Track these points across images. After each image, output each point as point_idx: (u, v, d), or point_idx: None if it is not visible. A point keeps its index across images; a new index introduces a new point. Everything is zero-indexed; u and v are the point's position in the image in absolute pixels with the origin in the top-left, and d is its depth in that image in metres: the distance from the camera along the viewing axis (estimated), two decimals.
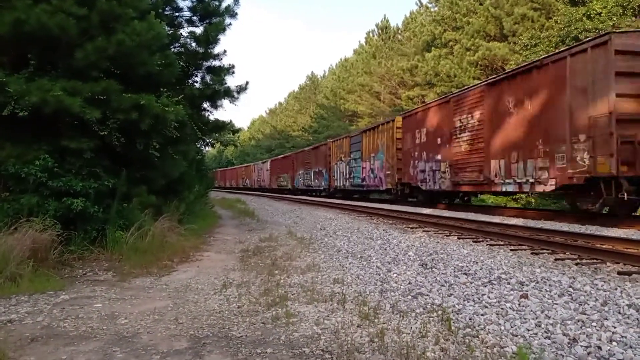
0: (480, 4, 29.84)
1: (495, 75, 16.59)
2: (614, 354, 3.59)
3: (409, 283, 6.31)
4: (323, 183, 35.76)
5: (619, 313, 4.49)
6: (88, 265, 7.99)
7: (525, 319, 4.54)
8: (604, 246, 8.11)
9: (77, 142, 8.30)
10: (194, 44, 12.21)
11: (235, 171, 79.71)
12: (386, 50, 45.88)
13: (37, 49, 8.25)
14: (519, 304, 4.99)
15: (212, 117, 14.13)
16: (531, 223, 12.45)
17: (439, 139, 18.89)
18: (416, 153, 21.06)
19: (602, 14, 20.49)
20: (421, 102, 32.58)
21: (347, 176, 30.20)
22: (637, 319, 4.31)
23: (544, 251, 8.13)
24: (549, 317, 4.51)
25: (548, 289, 5.47)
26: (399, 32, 47.36)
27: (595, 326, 4.19)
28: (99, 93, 8.23)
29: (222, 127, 14.14)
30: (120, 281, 7.04)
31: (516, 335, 4.17)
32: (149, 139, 9.06)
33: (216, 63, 12.89)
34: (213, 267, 8.12)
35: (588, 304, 4.81)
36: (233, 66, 13.09)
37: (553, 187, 12.57)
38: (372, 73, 44.54)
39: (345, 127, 47.59)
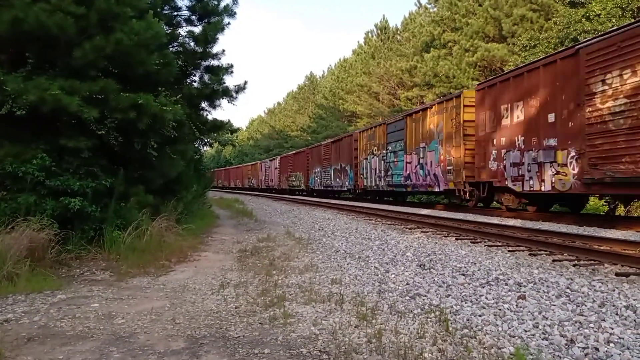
0: (480, 5, 29.86)
1: None
2: (612, 355, 3.58)
3: (407, 284, 6.30)
4: (347, 183, 30.27)
5: (617, 314, 4.49)
6: (85, 264, 7.97)
7: (522, 320, 4.53)
8: (601, 247, 8.12)
9: (74, 141, 8.27)
10: (192, 44, 12.20)
11: (240, 170, 74.30)
12: (385, 50, 45.89)
13: (35, 48, 8.23)
14: (516, 305, 4.98)
15: (210, 117, 14.12)
16: (529, 224, 12.45)
17: (552, 115, 13.01)
18: (504, 139, 15.18)
19: (602, 16, 20.49)
20: (420, 103, 32.58)
21: (382, 174, 24.58)
22: (635, 320, 4.30)
23: (542, 252, 8.13)
24: (547, 318, 4.50)
25: (546, 290, 5.47)
26: (398, 32, 47.34)
27: (592, 327, 4.18)
28: (97, 92, 8.20)
29: (220, 126, 14.10)
30: (118, 281, 7.03)
31: (514, 336, 4.16)
32: (146, 138, 9.04)
33: (215, 62, 12.89)
34: (211, 267, 8.10)
35: (586, 305, 4.80)
36: (231, 66, 13.08)
37: None
38: (371, 73, 44.54)
39: (343, 128, 47.61)
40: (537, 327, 4.31)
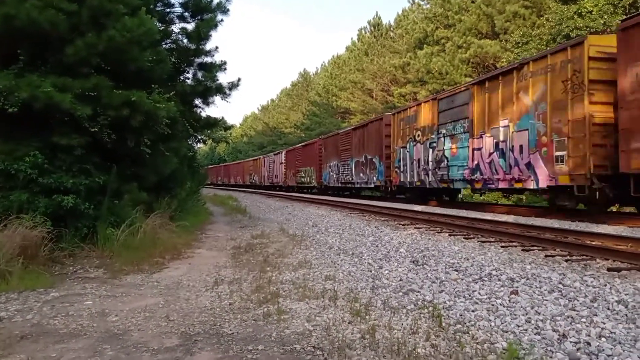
0: (472, 2, 29.91)
1: None
2: (603, 350, 3.60)
3: (400, 280, 6.31)
4: (374, 178, 24.50)
5: (608, 309, 4.52)
6: (79, 262, 7.95)
7: (515, 315, 4.56)
8: (593, 243, 8.16)
9: (67, 138, 8.25)
10: (185, 40, 12.18)
11: (240, 166, 68.24)
12: (378, 47, 45.91)
13: (27, 45, 8.19)
14: (509, 300, 5.01)
15: (203, 114, 14.11)
16: (522, 220, 12.49)
17: None
18: None
19: (593, 12, 20.55)
20: (413, 99, 32.59)
21: (431, 166, 18.85)
22: (626, 315, 4.33)
23: (535, 248, 8.17)
24: (539, 313, 4.52)
25: (538, 285, 5.50)
26: (391, 29, 47.35)
27: (584, 322, 4.21)
28: (90, 89, 8.18)
29: (213, 123, 14.09)
30: (111, 278, 7.02)
31: (506, 331, 4.18)
32: (140, 135, 9.02)
33: (208, 59, 12.87)
34: (205, 264, 8.10)
35: (578, 300, 4.83)
36: (225, 63, 13.06)
37: None
38: (364, 70, 44.59)
39: (337, 124, 47.59)
40: (530, 322, 4.34)
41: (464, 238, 9.67)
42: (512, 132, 14.18)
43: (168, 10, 12.50)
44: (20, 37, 7.98)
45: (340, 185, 30.55)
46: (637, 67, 10.30)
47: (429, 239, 9.66)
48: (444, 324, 4.46)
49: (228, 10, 12.71)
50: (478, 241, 9.20)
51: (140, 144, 9.09)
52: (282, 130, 71.54)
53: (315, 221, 14.58)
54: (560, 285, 5.44)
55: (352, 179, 27.85)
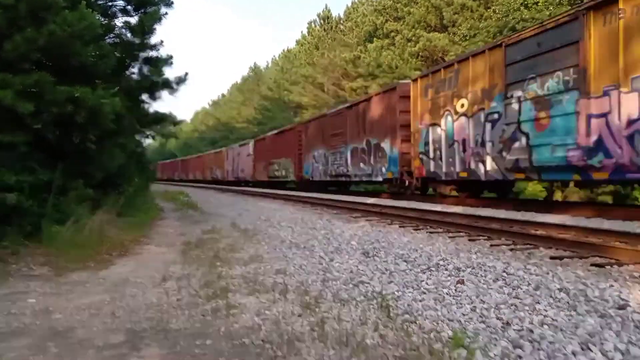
0: None
1: None
2: (545, 337, 3.69)
3: (351, 272, 6.35)
4: (383, 169, 19.36)
5: (551, 297, 4.64)
6: (22, 260, 7.71)
7: (461, 304, 4.64)
8: (538, 232, 8.40)
9: (10, 135, 7.99)
10: (129, 35, 11.89)
11: (200, 161, 62.77)
12: (329, 41, 46.05)
13: None
14: (455, 290, 5.10)
15: (151, 109, 13.86)
16: (470, 210, 12.74)
17: None
18: None
19: (539, 4, 21.05)
20: (364, 94, 32.79)
21: (489, 148, 13.33)
22: (568, 302, 4.46)
23: (481, 237, 8.36)
24: (484, 302, 4.62)
25: (483, 274, 5.62)
26: (341, 22, 47.49)
27: (527, 310, 4.31)
28: (31, 85, 7.94)
29: (162, 119, 13.84)
30: (56, 276, 6.84)
31: (452, 320, 4.25)
32: (85, 131, 8.82)
33: (153, 54, 12.60)
34: (153, 261, 7.98)
35: (521, 289, 4.96)
36: (171, 57, 12.84)
37: None
38: (315, 64, 44.63)
39: (289, 119, 47.50)
40: (475, 311, 4.42)
41: (414, 229, 9.82)
42: None
43: (110, 3, 12.20)
44: None
45: (329, 179, 25.42)
46: None
47: (380, 231, 9.77)
48: (392, 314, 4.50)
49: (172, 3, 12.49)
50: (427, 232, 9.36)
51: (85, 140, 8.89)
52: (234, 125, 71.02)
53: (267, 215, 14.55)
54: (505, 274, 5.57)
55: (348, 171, 22.80)
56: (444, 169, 15.41)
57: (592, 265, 5.94)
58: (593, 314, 4.10)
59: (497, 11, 23.50)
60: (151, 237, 10.82)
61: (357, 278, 5.98)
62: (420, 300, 4.86)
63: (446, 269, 6.03)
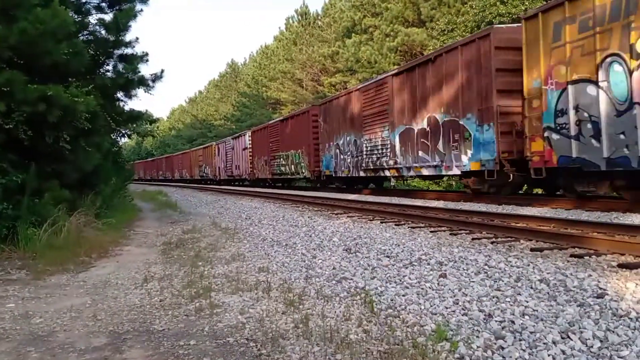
0: None
1: None
2: (527, 327, 3.72)
3: (334, 268, 6.35)
4: (465, 157, 14.02)
5: (531, 288, 4.68)
6: None
7: (443, 297, 4.66)
8: (518, 225, 8.46)
9: None
10: (103, 32, 11.76)
11: (187, 157, 56.85)
12: (307, 36, 45.90)
13: None
14: (438, 284, 5.12)
15: (127, 107, 13.72)
16: (451, 205, 12.82)
17: None
18: None
19: None
20: (343, 89, 32.78)
21: None
22: (548, 293, 4.49)
23: (462, 231, 8.40)
24: (466, 295, 4.64)
25: (465, 268, 5.65)
26: (319, 18, 47.42)
27: (509, 302, 4.34)
28: (2, 84, 7.81)
29: (137, 117, 13.71)
30: (35, 279, 6.75)
31: (435, 314, 4.27)
32: (58, 131, 8.68)
33: (128, 51, 12.48)
34: (134, 262, 7.91)
35: (502, 281, 4.98)
36: (147, 54, 12.73)
37: None
38: (294, 60, 44.51)
39: (268, 115, 47.35)
40: (457, 304, 4.44)
41: (395, 225, 9.84)
42: None
43: (84, 0, 12.06)
44: None
45: (363, 174, 19.90)
46: None
47: (361, 227, 9.78)
48: (375, 310, 4.51)
49: None
50: (408, 227, 9.39)
51: (59, 140, 8.75)
52: (212, 123, 70.66)
53: (248, 213, 14.50)
54: (486, 267, 5.61)
55: (396, 162, 17.09)
56: (605, 153, 9.74)
57: (571, 256, 5.99)
58: (572, 304, 4.14)
59: (473, 6, 23.62)
60: (131, 238, 10.74)
61: (340, 274, 5.98)
62: (404, 295, 4.87)
63: (428, 264, 6.05)
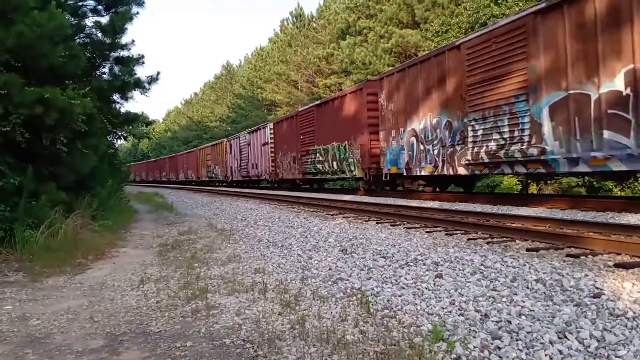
0: None
1: None
2: (523, 327, 3.73)
3: (330, 269, 6.36)
4: None
5: (528, 288, 4.69)
6: None
7: (440, 297, 4.67)
8: (514, 225, 8.48)
9: None
10: (100, 34, 11.78)
11: (193, 157, 51.38)
12: (302, 38, 45.89)
13: None
14: (434, 284, 5.13)
15: (123, 110, 13.73)
16: (446, 205, 12.84)
17: None
18: None
19: (509, 0, 21.22)
20: (338, 90, 32.80)
21: None
22: (544, 292, 4.51)
23: (458, 232, 8.41)
24: (462, 295, 4.65)
25: (461, 268, 5.66)
26: (314, 20, 47.45)
27: (505, 302, 4.35)
28: (0, 87, 7.82)
29: (133, 119, 13.74)
30: (32, 281, 6.75)
31: (431, 314, 4.28)
32: (55, 133, 8.69)
33: (124, 53, 12.52)
34: (130, 263, 7.91)
35: (499, 281, 5.00)
36: (142, 56, 12.76)
37: None
38: (289, 61, 44.52)
39: (263, 117, 47.33)
40: (454, 304, 4.45)
41: (391, 225, 9.85)
42: None
43: (80, 3, 12.07)
44: None
45: (462, 171, 13.94)
46: None
47: (357, 227, 9.79)
48: (372, 310, 4.52)
49: (144, 2, 12.42)
50: (404, 228, 9.40)
51: (56, 142, 8.76)
52: (207, 124, 70.58)
53: (244, 215, 14.49)
54: (482, 267, 5.62)
55: (545, 151, 10.96)
56: None
57: (567, 255, 6.01)
58: (569, 304, 4.16)
59: (467, 8, 23.67)
60: (127, 240, 10.73)
61: (336, 275, 5.98)
62: (400, 296, 4.88)
63: (424, 264, 6.07)
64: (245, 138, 34.59)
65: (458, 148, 14.03)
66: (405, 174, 16.72)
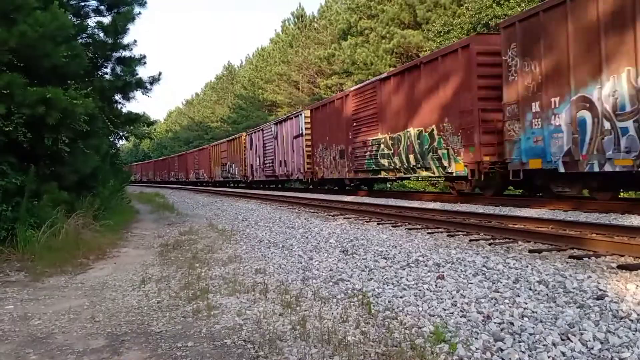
0: None
1: None
2: (526, 329, 3.72)
3: (331, 270, 6.35)
4: None
5: (530, 289, 4.68)
6: None
7: (441, 299, 4.66)
8: (516, 226, 8.48)
9: None
10: (102, 35, 11.79)
11: (205, 154, 46.47)
12: (303, 39, 45.92)
13: None
14: (435, 285, 5.12)
15: (124, 110, 13.74)
16: (448, 206, 12.84)
17: None
18: None
19: (511, 1, 21.21)
20: (339, 91, 32.78)
21: None
22: (547, 294, 4.50)
23: (460, 233, 8.40)
24: (464, 297, 4.64)
25: (463, 269, 5.65)
26: (315, 20, 47.47)
27: (507, 303, 4.34)
28: (2, 87, 7.81)
29: (135, 119, 13.73)
30: (33, 281, 6.74)
31: (433, 315, 4.27)
32: (57, 133, 8.68)
33: (126, 54, 12.52)
34: (131, 263, 7.91)
35: (501, 282, 4.99)
36: (144, 56, 12.77)
37: None
38: (290, 62, 44.54)
39: (264, 117, 47.34)
40: (455, 305, 4.44)
41: (392, 226, 9.85)
42: None
43: (83, 3, 12.08)
44: None
45: None
46: None
47: (358, 228, 9.78)
48: (373, 311, 4.51)
49: (145, 2, 12.43)
50: (405, 229, 9.40)
51: (58, 142, 8.75)
52: (209, 125, 70.61)
53: (245, 215, 14.49)
54: (484, 268, 5.61)
55: None
56: None
57: (570, 257, 6.01)
58: (572, 305, 4.15)
59: (470, 8, 23.65)
60: (128, 240, 10.73)
61: (337, 276, 5.98)
62: (401, 297, 4.87)
63: (426, 265, 6.06)
64: (271, 130, 29.66)
65: None
66: (562, 170, 10.94)
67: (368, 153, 18.91)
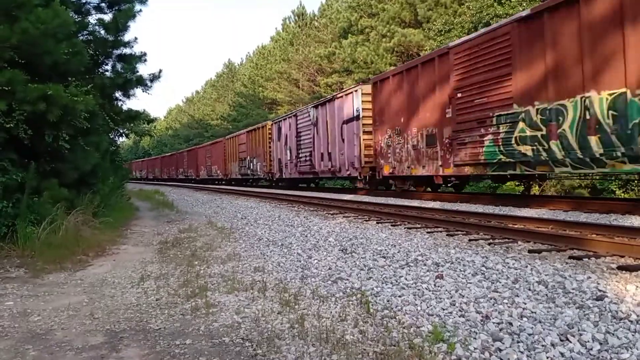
0: None
1: None
2: (525, 329, 3.73)
3: (329, 268, 6.35)
4: None
5: (529, 290, 4.68)
6: None
7: (440, 298, 4.67)
8: (516, 226, 8.47)
9: None
10: (103, 32, 11.78)
11: (219, 148, 41.48)
12: (303, 37, 45.87)
13: None
14: (434, 285, 5.12)
15: (125, 107, 13.73)
16: (448, 205, 12.83)
17: None
18: None
19: (512, 0, 21.16)
20: (339, 89, 32.75)
21: None
22: (546, 294, 4.50)
23: (459, 232, 8.40)
24: (463, 296, 4.65)
25: (462, 269, 5.65)
26: (316, 18, 47.43)
27: (506, 303, 4.34)
28: (4, 84, 7.81)
29: (135, 116, 13.71)
30: (33, 277, 6.76)
31: (432, 315, 4.28)
32: (58, 130, 8.69)
33: (127, 51, 12.51)
34: (130, 260, 7.91)
35: (500, 282, 4.99)
36: (145, 54, 12.76)
37: None
38: (290, 60, 44.50)
39: (264, 115, 47.30)
40: (454, 305, 4.45)
41: (391, 225, 9.85)
42: None
43: (84, 1, 12.07)
44: None
45: None
46: None
47: (357, 227, 9.78)
48: (371, 310, 4.51)
49: (146, 0, 12.43)
50: (405, 228, 9.39)
51: (58, 139, 8.76)
52: (209, 122, 70.55)
53: (244, 213, 14.49)
54: (483, 268, 5.61)
55: None
56: None
57: (570, 257, 6.01)
58: (571, 306, 4.15)
59: (470, 7, 23.61)
60: (128, 237, 10.73)
61: (335, 274, 5.98)
62: (400, 296, 4.88)
63: (425, 264, 6.06)
64: (308, 115, 23.93)
65: None
66: None
67: (489, 137, 12.70)
